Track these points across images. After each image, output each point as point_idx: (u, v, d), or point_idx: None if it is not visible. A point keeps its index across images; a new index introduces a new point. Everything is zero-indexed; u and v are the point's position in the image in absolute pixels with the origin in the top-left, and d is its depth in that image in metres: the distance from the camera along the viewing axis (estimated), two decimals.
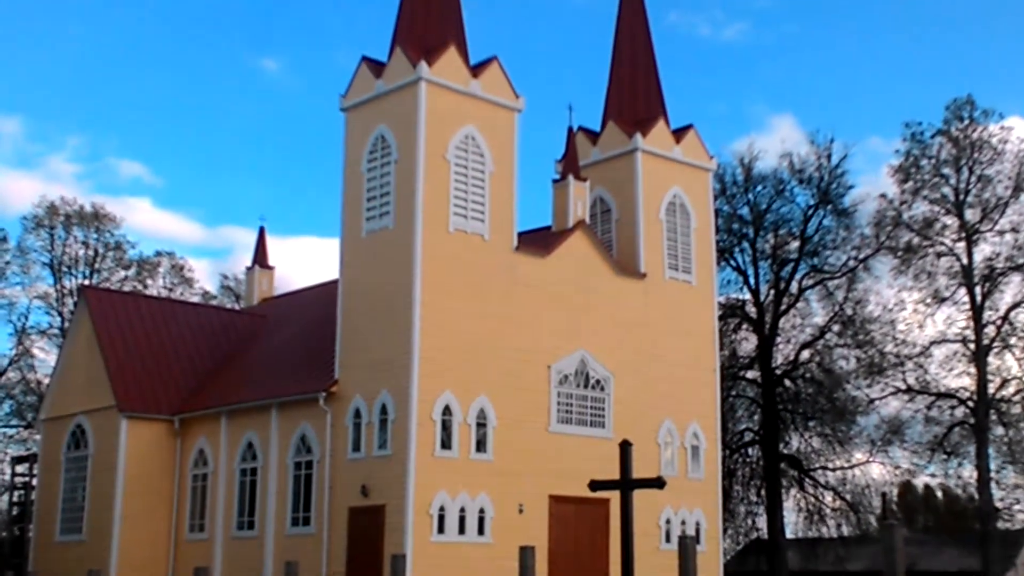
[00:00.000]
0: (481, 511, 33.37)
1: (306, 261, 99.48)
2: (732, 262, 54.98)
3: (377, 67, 35.76)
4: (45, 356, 62.34)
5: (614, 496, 21.98)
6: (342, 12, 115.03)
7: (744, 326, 55.57)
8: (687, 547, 16.57)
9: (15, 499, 51.68)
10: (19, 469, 51.76)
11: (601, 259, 37.89)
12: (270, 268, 50.92)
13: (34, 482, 47.11)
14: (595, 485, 21.07)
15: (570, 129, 39.53)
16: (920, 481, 65.66)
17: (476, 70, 35.53)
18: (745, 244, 55.05)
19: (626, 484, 20.07)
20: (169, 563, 39.48)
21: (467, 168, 34.70)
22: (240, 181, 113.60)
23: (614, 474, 20.80)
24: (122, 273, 64.55)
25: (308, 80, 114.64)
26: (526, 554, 18.20)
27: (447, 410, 33.13)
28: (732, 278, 55.04)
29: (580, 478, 23.87)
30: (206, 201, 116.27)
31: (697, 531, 38.18)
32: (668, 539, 36.73)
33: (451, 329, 33.41)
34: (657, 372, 38.31)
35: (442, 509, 32.55)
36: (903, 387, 53.44)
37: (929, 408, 53.06)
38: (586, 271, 37.28)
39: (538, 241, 37.28)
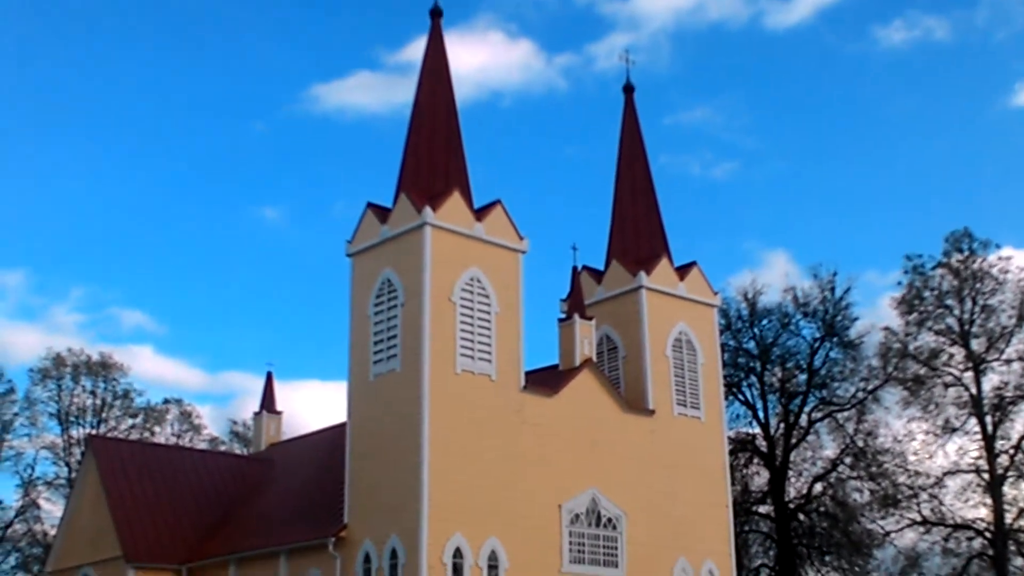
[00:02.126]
0: None
1: (313, 405, 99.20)
2: (740, 396, 54.94)
3: (382, 212, 36.31)
4: (51, 507, 61.98)
5: None
6: (340, 162, 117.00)
7: (755, 460, 55.20)
8: None
9: None
10: None
11: (609, 397, 37.85)
12: (278, 413, 50.85)
13: None
14: None
15: (575, 268, 39.93)
16: None
17: (480, 213, 36.05)
18: (753, 378, 55.08)
19: None
20: None
21: (473, 310, 34.93)
22: (242, 327, 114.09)
23: None
24: (129, 421, 64.58)
25: (308, 228, 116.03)
26: None
27: (458, 552, 32.71)
28: (741, 412, 54.95)
29: None
30: (208, 347, 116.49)
31: None
32: None
33: (460, 470, 33.20)
34: (669, 509, 37.93)
35: None
36: (919, 519, 52.83)
37: (946, 540, 52.34)
38: (594, 409, 37.20)
39: (546, 380, 37.27)
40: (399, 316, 34.67)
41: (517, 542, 33.87)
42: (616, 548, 36.56)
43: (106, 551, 40.00)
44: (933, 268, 53.02)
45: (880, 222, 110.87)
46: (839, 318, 54.22)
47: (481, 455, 33.77)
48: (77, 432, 62.52)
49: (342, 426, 37.33)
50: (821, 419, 54.79)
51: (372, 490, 34.02)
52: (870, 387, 53.86)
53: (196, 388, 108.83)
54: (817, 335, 54.56)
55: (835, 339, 54.33)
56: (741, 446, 54.28)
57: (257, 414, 50.98)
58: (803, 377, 54.63)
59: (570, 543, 35.51)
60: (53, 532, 52.59)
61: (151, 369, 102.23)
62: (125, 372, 65.01)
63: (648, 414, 38.71)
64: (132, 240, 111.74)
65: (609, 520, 36.66)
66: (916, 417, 52.77)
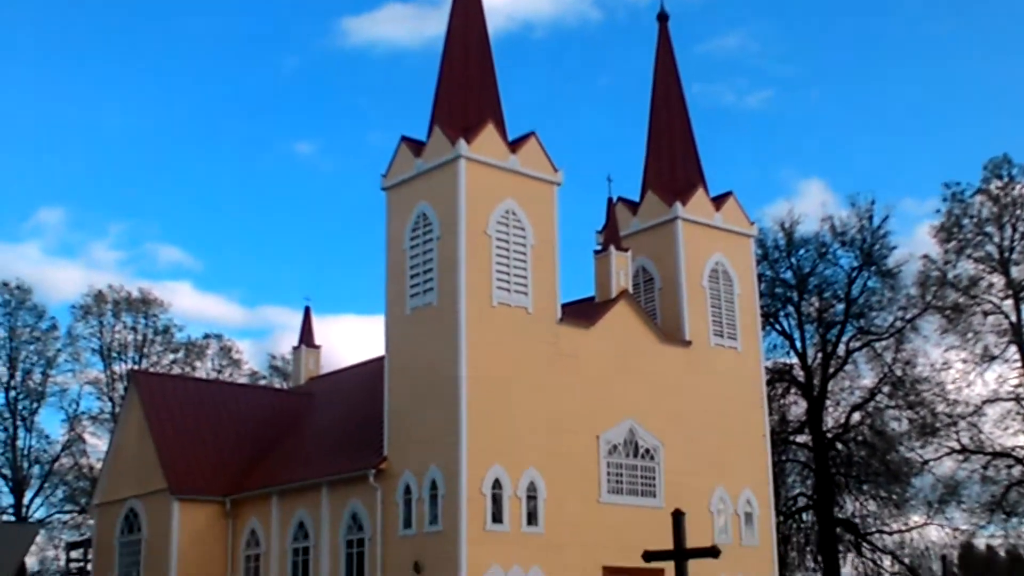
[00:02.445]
0: None
1: (350, 339, 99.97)
2: (777, 327, 54.77)
3: (417, 146, 36.25)
4: (96, 441, 62.99)
5: (669, 566, 21.72)
6: (373, 96, 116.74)
7: (792, 390, 55.16)
8: None
9: None
10: (74, 555, 52.06)
11: (646, 328, 37.89)
12: (316, 347, 51.27)
13: (89, 567, 47.32)
14: (649, 556, 20.93)
15: (610, 200, 39.81)
16: (981, 542, 64.42)
17: (514, 145, 35.93)
18: (790, 308, 54.86)
19: (680, 554, 19.92)
20: None
21: (509, 242, 34.96)
22: (279, 262, 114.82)
23: (667, 543, 20.66)
24: (170, 356, 65.29)
25: (343, 162, 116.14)
26: None
27: (497, 484, 33.06)
28: (778, 342, 54.82)
29: (633, 549, 23.74)
30: (246, 283, 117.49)
31: None
32: None
33: (498, 402, 33.45)
34: (707, 439, 38.09)
35: None
36: (957, 447, 52.71)
37: (985, 468, 52.23)
38: (631, 340, 37.28)
39: (582, 312, 37.35)
40: (435, 249, 34.75)
41: (555, 473, 34.17)
42: (654, 478, 36.81)
43: (151, 484, 40.69)
44: (972, 195, 52.41)
45: (917, 149, 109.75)
46: (877, 247, 53.81)
47: (518, 387, 33.99)
48: (119, 367, 63.38)
49: (380, 359, 37.61)
50: (859, 348, 54.60)
51: (411, 422, 34.35)
52: (908, 316, 53.56)
53: (234, 323, 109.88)
54: (855, 264, 54.21)
55: (873, 268, 53.95)
56: (778, 376, 54.24)
57: (296, 348, 51.42)
58: (841, 307, 54.37)
59: (608, 473, 35.79)
60: (99, 466, 53.51)
61: (189, 305, 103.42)
62: (165, 308, 65.69)
63: (685, 345, 38.74)
64: (168, 176, 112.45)
65: (647, 450, 36.87)
66: (955, 345, 52.46)
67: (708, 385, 38.80)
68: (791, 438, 55.21)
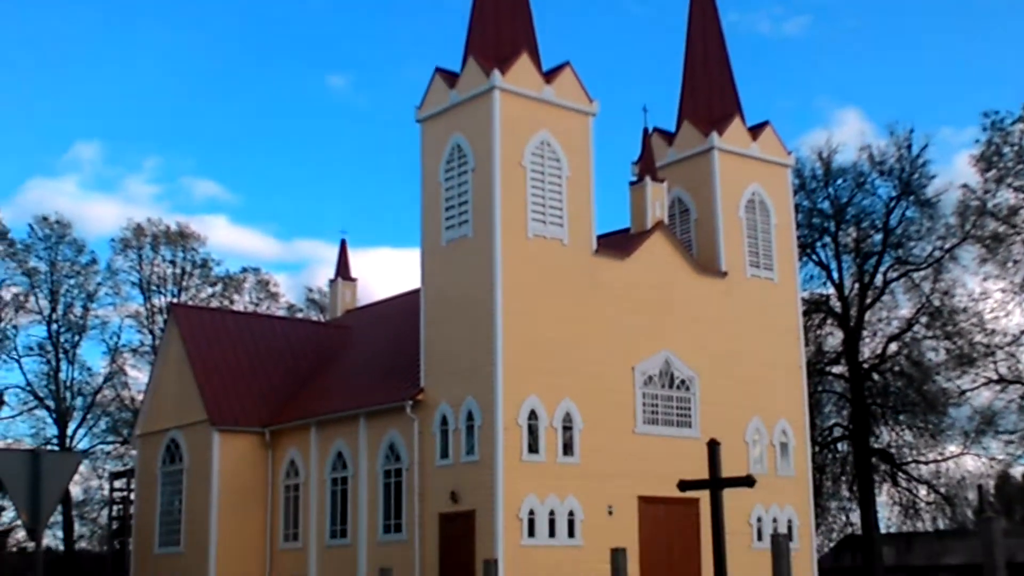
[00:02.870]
0: (571, 514, 33.50)
1: (386, 272, 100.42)
2: (814, 257, 54.47)
3: (450, 77, 36.08)
4: (138, 374, 63.79)
5: (704, 496, 21.95)
6: (405, 28, 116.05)
7: (829, 321, 54.99)
8: (780, 545, 16.54)
9: (114, 513, 52.89)
10: (117, 484, 52.98)
11: (681, 259, 37.82)
12: (352, 280, 51.51)
13: (132, 496, 48.20)
14: (684, 485, 21.08)
15: (645, 130, 39.53)
16: (1017, 472, 64.43)
17: (549, 76, 35.69)
18: (827, 238, 54.50)
19: (715, 483, 20.05)
20: (265, 572, 40.15)
21: (543, 174, 34.86)
22: (314, 195, 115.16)
23: (703, 474, 20.78)
24: (209, 290, 65.79)
25: (376, 95, 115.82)
26: (618, 556, 18.28)
27: (533, 414, 33.31)
28: (815, 273, 54.53)
29: (668, 479, 23.90)
30: (281, 216, 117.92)
31: (789, 529, 37.88)
32: (760, 538, 36.51)
33: (534, 334, 33.59)
34: (743, 370, 38.12)
35: (532, 513, 32.75)
36: (995, 377, 52.49)
37: (1023, 398, 52.04)
38: (667, 272, 37.23)
39: (617, 244, 37.30)
40: (470, 182, 34.72)
41: (591, 404, 34.38)
42: (689, 409, 36.94)
43: (191, 415, 41.26)
44: (1012, 124, 51.60)
45: (955, 78, 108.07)
46: (916, 176, 53.23)
47: (554, 319, 34.10)
48: (159, 301, 63.97)
49: (416, 292, 37.79)
50: (896, 279, 54.25)
51: (447, 354, 34.57)
52: (947, 246, 53.09)
53: (270, 257, 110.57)
54: (893, 194, 53.68)
55: (912, 198, 53.42)
56: (815, 307, 54.06)
57: (332, 281, 51.70)
58: (878, 237, 53.96)
59: (643, 404, 35.96)
60: (140, 397, 54.25)
61: (225, 239, 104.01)
62: (202, 242, 66.09)
63: (721, 276, 38.65)
64: (203, 110, 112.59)
65: (682, 381, 36.97)
66: (994, 275, 52.01)
67: (744, 316, 38.75)
68: (827, 369, 55.13)
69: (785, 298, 40.40)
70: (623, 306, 35.79)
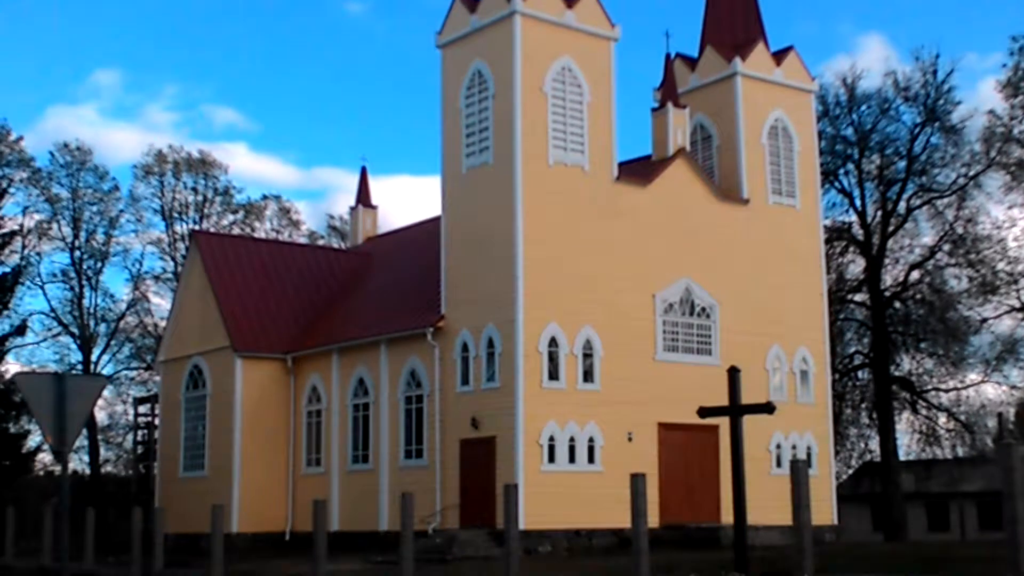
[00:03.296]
0: (591, 440, 33.74)
1: (407, 200, 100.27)
2: (837, 184, 54.06)
3: (471, 3, 35.72)
4: (160, 301, 64.16)
5: (723, 423, 22.00)
6: None
7: (851, 249, 54.75)
8: (799, 471, 16.59)
9: (139, 438, 53.54)
10: (141, 410, 53.58)
11: (703, 186, 37.63)
12: (373, 207, 51.48)
13: (156, 422, 48.74)
14: (704, 412, 21.17)
15: (667, 56, 39.14)
16: None
17: (570, 0, 35.28)
18: (850, 165, 54.07)
19: (735, 410, 20.14)
20: (288, 496, 40.65)
21: (564, 100, 34.62)
22: (334, 123, 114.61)
23: (722, 401, 20.87)
24: (230, 217, 65.88)
25: (395, 20, 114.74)
26: (637, 481, 18.38)
27: (553, 342, 33.43)
28: (837, 200, 54.15)
29: (688, 405, 24.01)
30: (301, 144, 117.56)
31: (808, 455, 38.05)
32: (779, 464, 36.71)
33: (554, 261, 33.59)
34: (763, 298, 38.07)
35: (552, 439, 32.99)
36: (1017, 305, 52.28)
37: None
38: (688, 199, 37.07)
39: (638, 171, 37.12)
40: (490, 108, 34.53)
41: (611, 331, 34.45)
42: (710, 336, 36.98)
43: (214, 342, 41.54)
44: None
45: (981, 2, 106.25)
46: (941, 102, 52.59)
47: (575, 246, 34.07)
48: (181, 228, 64.12)
49: (437, 219, 37.76)
50: (920, 206, 53.86)
51: (468, 281, 34.64)
52: (971, 173, 52.58)
53: (290, 184, 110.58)
54: (918, 120, 53.08)
55: (936, 124, 52.83)
56: (837, 234, 53.77)
57: (353, 209, 51.67)
58: (902, 164, 53.47)
59: (664, 331, 36.01)
60: (163, 324, 54.61)
61: (246, 166, 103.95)
62: (224, 169, 66.07)
63: (742, 203, 38.47)
64: (222, 37, 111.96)
65: (703, 309, 36.97)
66: (1018, 203, 51.58)
67: (765, 243, 38.61)
68: (848, 296, 55.00)
69: (807, 225, 40.20)
70: (644, 233, 35.71)
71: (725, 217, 37.89)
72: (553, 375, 33.36)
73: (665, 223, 36.27)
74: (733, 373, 20.42)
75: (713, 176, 38.94)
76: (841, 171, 54.16)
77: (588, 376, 34.09)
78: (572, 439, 33.40)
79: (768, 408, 20.53)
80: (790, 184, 39.85)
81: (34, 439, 58.44)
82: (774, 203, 39.33)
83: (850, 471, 58.36)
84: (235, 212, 66.19)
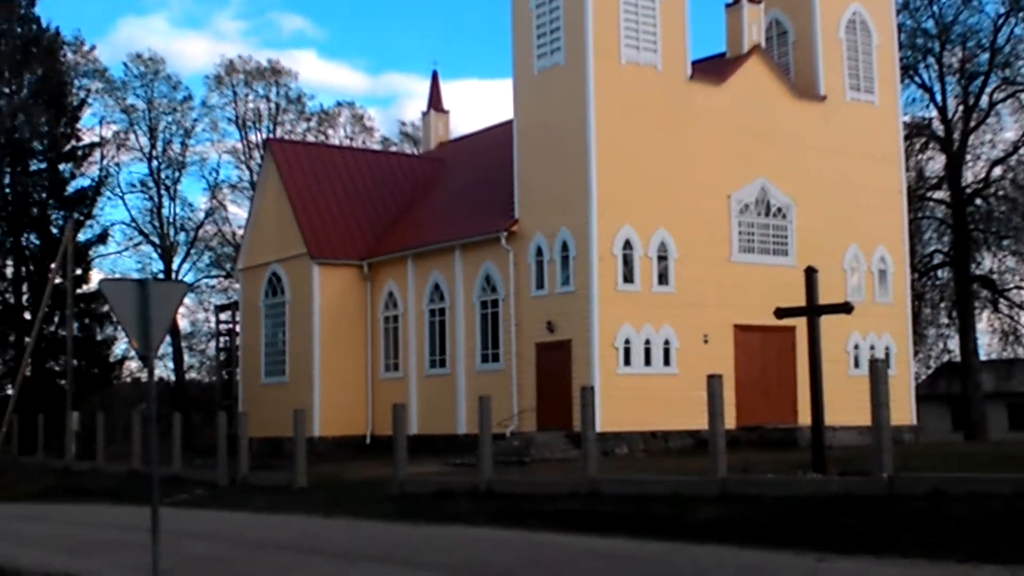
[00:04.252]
0: (666, 343, 33.77)
1: (478, 104, 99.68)
2: (917, 79, 52.72)
3: None
4: (237, 209, 64.95)
5: (800, 323, 21.88)
6: None
7: (931, 145, 53.58)
8: (878, 371, 16.51)
9: (221, 345, 54.57)
10: (223, 317, 54.51)
11: (779, 83, 36.97)
12: (445, 112, 51.32)
13: (237, 329, 49.62)
14: (781, 312, 21.08)
15: None
16: None
17: None
18: (930, 59, 52.66)
19: (813, 310, 20.03)
20: (367, 400, 41.30)
21: None
22: (402, 27, 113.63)
23: (799, 302, 20.74)
24: (304, 125, 66.17)
25: None
26: (714, 382, 18.42)
27: (628, 244, 33.35)
28: (917, 96, 52.85)
29: (764, 307, 23.89)
30: (369, 50, 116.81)
31: (886, 356, 37.71)
32: (857, 365, 36.48)
33: (627, 163, 33.36)
34: (841, 197, 37.52)
35: (627, 342, 33.08)
36: None
37: None
38: (763, 97, 36.47)
39: (712, 69, 36.54)
40: (561, 7, 34.08)
41: (686, 233, 34.26)
42: (786, 237, 36.61)
43: (291, 249, 42.00)
44: None
45: None
46: None
47: (648, 147, 33.78)
48: (255, 137, 64.58)
49: (509, 123, 37.58)
50: (1003, 100, 52.42)
51: (541, 184, 34.55)
52: None
53: (360, 91, 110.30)
54: (1002, 11, 51.42)
55: (1021, 15, 51.19)
56: (916, 131, 52.61)
57: (425, 114, 51.57)
58: (985, 56, 51.94)
59: (739, 233, 35.73)
60: (241, 232, 55.31)
61: (315, 74, 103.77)
62: (294, 76, 66.20)
63: (819, 100, 37.76)
64: None
65: (779, 209, 36.57)
66: None
67: (843, 141, 37.94)
68: (928, 194, 54.01)
69: (886, 122, 39.40)
70: (718, 133, 35.26)
71: (801, 115, 37.25)
72: (628, 278, 33.32)
73: (740, 122, 35.76)
74: (810, 273, 20.26)
75: (789, 73, 38.20)
76: (921, 65, 52.81)
77: (663, 279, 34.01)
78: (647, 342, 33.47)
79: (846, 308, 20.37)
80: (868, 80, 38.99)
81: (120, 347, 59.98)
82: (852, 100, 38.56)
83: (929, 371, 57.87)
84: (308, 120, 66.52)
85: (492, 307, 36.54)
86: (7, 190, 56.24)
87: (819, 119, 37.62)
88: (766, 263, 35.92)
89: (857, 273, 37.98)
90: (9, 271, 57.24)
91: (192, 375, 68.32)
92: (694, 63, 35.56)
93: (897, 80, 40.66)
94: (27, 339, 48.59)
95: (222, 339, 54.59)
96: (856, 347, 37.27)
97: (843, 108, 38.25)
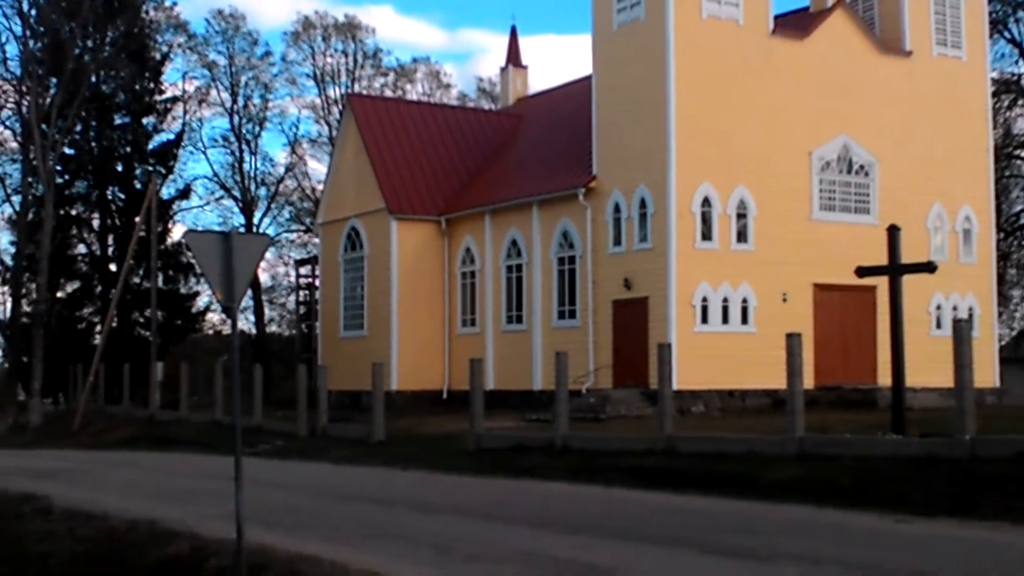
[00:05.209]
0: (744, 301, 33.55)
1: (556, 60, 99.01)
2: (1006, 34, 51.50)
3: None
4: (317, 164, 65.47)
5: (881, 283, 21.65)
6: None
7: (1019, 102, 52.37)
8: (962, 331, 16.28)
9: (301, 299, 55.27)
10: (302, 271, 55.18)
11: (863, 38, 36.29)
12: (524, 68, 51.14)
13: (317, 283, 50.19)
14: (862, 271, 20.85)
15: None
16: None
17: None
18: (1020, 14, 51.37)
19: (895, 270, 19.78)
20: (444, 355, 41.58)
21: None
22: None
23: (880, 261, 20.48)
24: (381, 80, 66.39)
25: None
26: (793, 341, 18.30)
27: (706, 201, 33.10)
28: (1006, 51, 51.65)
29: (845, 266, 23.64)
30: (446, 4, 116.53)
31: (970, 317, 37.01)
32: (939, 326, 35.92)
33: (707, 120, 33.04)
34: (925, 155, 36.83)
35: (705, 300, 32.91)
36: None
37: None
38: (847, 52, 35.83)
39: (795, 23, 35.99)
40: None
41: (766, 190, 33.91)
42: (868, 195, 36.08)
43: (370, 204, 42.28)
44: None
45: None
46: None
47: (729, 103, 33.42)
48: (333, 92, 64.94)
49: (588, 79, 37.36)
50: None
51: (620, 141, 34.37)
52: None
53: (436, 47, 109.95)
54: None
55: None
56: (1005, 87, 51.41)
57: (503, 69, 51.45)
58: None
59: (820, 190, 35.27)
60: (320, 187, 55.80)
61: (393, 28, 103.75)
62: (371, 32, 66.38)
63: (905, 55, 37.01)
64: None
65: (861, 167, 36.02)
66: None
67: (929, 97, 37.17)
68: (1015, 153, 52.85)
69: (973, 78, 38.50)
70: (800, 89, 34.75)
71: (886, 70, 36.55)
72: (706, 235, 33.10)
73: (823, 78, 35.19)
74: (893, 232, 19.98)
75: (874, 28, 37.47)
76: (1011, 19, 51.53)
77: (742, 236, 33.73)
78: (725, 300, 33.27)
79: (929, 267, 20.11)
80: (956, 34, 38.09)
81: (202, 299, 61.00)
82: (938, 55, 37.73)
83: (1013, 333, 56.90)
84: (385, 75, 66.70)
85: (569, 264, 36.53)
86: (92, 144, 57.31)
87: (904, 74, 36.90)
88: (847, 221, 35.44)
89: (941, 232, 37.33)
90: (96, 224, 58.52)
91: (272, 328, 69.34)
92: (776, 17, 35.03)
93: (986, 35, 39.69)
94: (113, 291, 49.60)
95: (302, 293, 55.28)
96: (938, 308, 36.69)
97: (929, 63, 37.46)
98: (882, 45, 36.73)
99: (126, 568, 12.07)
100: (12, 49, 50.55)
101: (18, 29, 50.02)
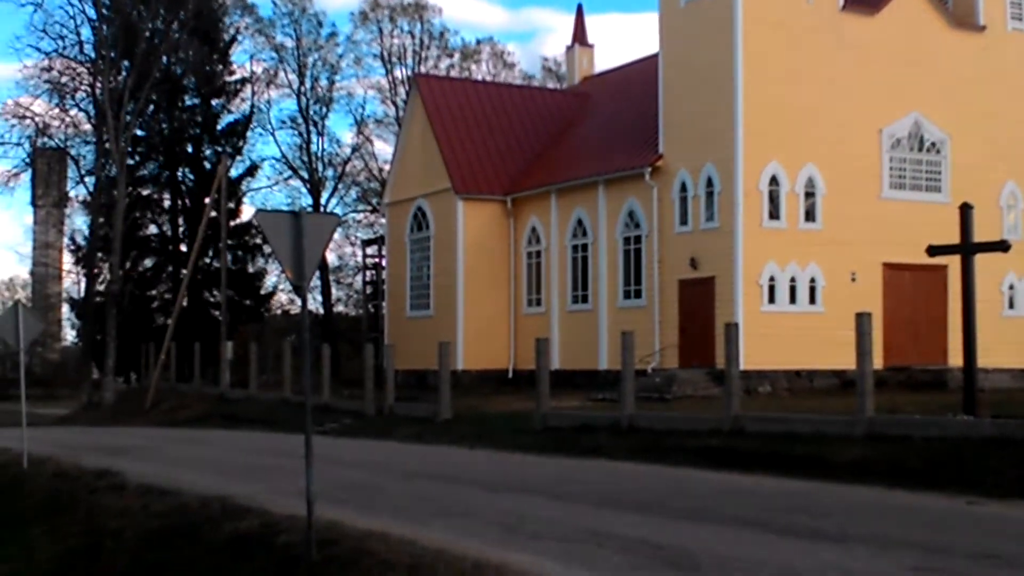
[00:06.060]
0: (812, 280, 33.26)
1: (622, 39, 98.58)
2: None
3: None
4: (383, 145, 65.80)
5: (952, 262, 21.35)
6: None
7: None
8: None
9: (368, 279, 55.66)
10: (369, 251, 55.54)
11: (935, 13, 35.70)
12: (590, 46, 50.97)
13: (383, 263, 50.51)
14: (934, 250, 20.57)
15: None
16: None
17: None
18: None
19: (967, 248, 19.48)
20: (510, 335, 41.69)
21: None
22: None
23: (951, 240, 20.19)
24: (446, 61, 66.50)
25: None
26: (863, 320, 18.10)
27: (774, 180, 32.82)
28: None
29: (915, 245, 23.34)
30: None
31: None
32: (1011, 306, 35.34)
33: (775, 97, 32.72)
34: (998, 132, 36.19)
35: (772, 279, 32.68)
36: None
37: None
38: (918, 27, 35.28)
39: None
40: None
41: (835, 168, 33.54)
42: (939, 173, 35.55)
43: (436, 184, 42.45)
44: None
45: None
46: None
47: (798, 80, 33.08)
48: (399, 72, 65.17)
49: (655, 57, 37.15)
50: None
51: (687, 119, 34.16)
52: None
53: (499, 27, 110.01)
54: None
55: None
56: None
57: (569, 48, 51.31)
58: None
59: (890, 168, 34.83)
60: (387, 168, 56.07)
61: (455, 8, 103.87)
62: (438, 12, 66.53)
63: (978, 30, 36.35)
64: None
65: (932, 144, 35.49)
66: None
67: (1002, 74, 36.50)
68: None
69: None
70: (871, 65, 34.29)
71: (958, 46, 35.93)
72: (773, 214, 32.83)
73: (893, 54, 34.68)
74: (965, 210, 19.68)
75: (946, 2, 36.84)
76: None
77: (810, 215, 33.41)
78: (793, 279, 33.00)
79: (1002, 246, 19.79)
80: None
81: (271, 279, 61.67)
82: (1013, 29, 37.03)
83: None
84: (451, 56, 66.80)
85: (635, 243, 36.43)
86: (163, 126, 58.06)
87: (977, 50, 36.25)
88: (918, 199, 34.97)
89: (1014, 211, 36.70)
90: (167, 204, 59.36)
91: (339, 308, 69.90)
92: None
93: None
94: (183, 271, 50.29)
95: (368, 273, 55.65)
96: (1011, 287, 36.07)
97: (1003, 38, 36.77)
98: (954, 20, 36.13)
99: (200, 543, 12.28)
100: (86, 33, 51.08)
101: (91, 13, 50.68)
